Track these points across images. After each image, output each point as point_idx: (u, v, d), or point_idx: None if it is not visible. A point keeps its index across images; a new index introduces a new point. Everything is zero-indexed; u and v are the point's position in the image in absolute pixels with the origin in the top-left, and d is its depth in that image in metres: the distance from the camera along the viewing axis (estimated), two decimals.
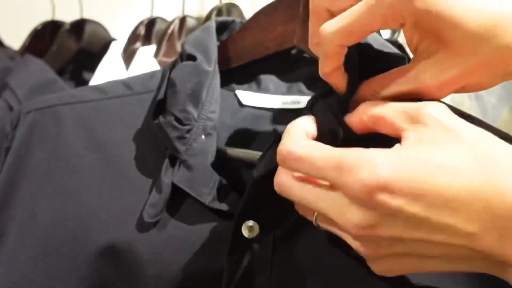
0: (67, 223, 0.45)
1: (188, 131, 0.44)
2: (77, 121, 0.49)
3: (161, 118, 0.44)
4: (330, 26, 0.32)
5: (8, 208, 0.47)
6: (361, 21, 0.31)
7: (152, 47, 0.71)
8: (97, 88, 0.52)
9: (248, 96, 0.51)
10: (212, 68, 0.46)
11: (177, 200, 0.43)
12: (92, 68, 0.81)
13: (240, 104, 0.51)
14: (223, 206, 0.42)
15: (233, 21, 0.54)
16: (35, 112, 0.50)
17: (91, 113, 0.49)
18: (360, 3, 0.31)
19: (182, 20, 0.72)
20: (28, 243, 0.45)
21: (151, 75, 0.52)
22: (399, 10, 0.30)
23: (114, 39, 0.81)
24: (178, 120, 0.44)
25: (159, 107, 0.45)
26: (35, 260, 0.45)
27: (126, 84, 0.51)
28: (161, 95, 0.46)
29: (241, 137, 0.49)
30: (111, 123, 0.49)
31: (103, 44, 0.82)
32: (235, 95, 0.51)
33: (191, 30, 0.72)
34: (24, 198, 0.47)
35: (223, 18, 0.53)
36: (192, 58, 0.46)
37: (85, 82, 0.82)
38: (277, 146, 0.33)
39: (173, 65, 0.48)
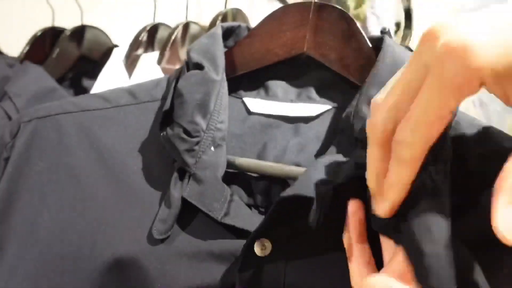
0: (70, 237, 0.43)
1: (197, 143, 0.42)
2: (79, 131, 0.47)
3: (168, 130, 0.42)
4: (406, 129, 0.28)
5: (8, 221, 0.45)
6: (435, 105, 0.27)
7: (155, 54, 0.69)
8: (100, 96, 0.50)
9: (256, 104, 0.49)
10: (220, 77, 0.45)
11: (187, 215, 0.41)
12: (92, 75, 0.80)
13: (248, 111, 0.49)
14: (236, 222, 0.40)
15: (239, 26, 0.52)
16: (36, 121, 0.48)
17: (94, 122, 0.48)
18: (422, 92, 0.27)
19: (186, 26, 0.71)
20: (29, 258, 0.43)
21: (156, 83, 0.51)
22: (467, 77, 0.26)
23: (115, 45, 0.80)
24: (186, 132, 0.42)
25: (166, 118, 0.44)
26: (36, 276, 0.43)
27: (130, 92, 0.50)
28: (167, 106, 0.44)
29: (250, 146, 0.47)
30: (115, 132, 0.47)
31: (104, 50, 0.81)
32: (243, 103, 0.49)
33: (195, 36, 0.70)
34: (24, 211, 0.45)
35: (229, 23, 0.52)
36: (199, 66, 0.45)
37: (85, 89, 0.81)
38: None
39: (179, 74, 0.47)
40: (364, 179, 0.34)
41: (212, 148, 0.42)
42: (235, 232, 0.41)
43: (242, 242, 0.39)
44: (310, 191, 0.37)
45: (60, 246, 0.43)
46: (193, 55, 0.45)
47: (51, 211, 0.44)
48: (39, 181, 0.46)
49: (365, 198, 0.36)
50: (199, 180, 0.41)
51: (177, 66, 0.68)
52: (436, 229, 0.29)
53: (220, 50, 0.46)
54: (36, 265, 0.43)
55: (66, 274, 0.42)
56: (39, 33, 0.82)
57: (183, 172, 0.42)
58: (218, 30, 0.48)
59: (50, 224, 0.44)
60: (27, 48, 0.80)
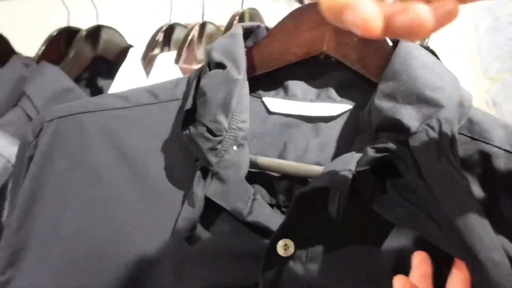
0: (93, 236, 0.43)
1: (220, 142, 0.42)
2: (101, 130, 0.47)
3: (191, 129, 0.42)
4: None
5: (31, 220, 0.45)
6: None
7: (172, 54, 0.69)
8: (120, 96, 0.50)
9: (275, 103, 0.49)
10: (241, 76, 0.45)
11: (209, 214, 0.42)
12: (108, 75, 0.81)
13: (268, 111, 0.49)
14: (259, 222, 0.40)
15: (258, 27, 0.52)
16: (58, 120, 0.48)
17: (115, 121, 0.48)
18: None
19: (202, 26, 0.71)
20: (52, 257, 0.44)
21: (175, 83, 0.51)
22: None
23: (130, 46, 0.80)
24: (209, 131, 0.42)
25: (188, 117, 0.44)
26: (60, 274, 0.43)
27: (151, 92, 0.50)
28: (189, 105, 0.44)
29: (271, 146, 0.47)
30: (137, 132, 0.47)
31: (119, 50, 0.81)
32: (262, 102, 0.50)
33: (211, 36, 0.70)
34: (47, 209, 0.45)
35: (249, 23, 0.52)
36: (221, 66, 0.45)
37: (101, 89, 0.81)
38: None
39: (199, 73, 0.47)
40: (383, 166, 0.34)
41: (235, 147, 0.42)
42: (258, 231, 0.41)
43: (265, 242, 0.39)
44: (327, 182, 0.37)
45: (83, 245, 0.43)
46: (215, 55, 0.45)
47: (74, 210, 0.45)
48: (62, 180, 0.46)
49: (384, 188, 0.36)
50: (222, 179, 0.41)
51: (194, 66, 0.68)
52: (484, 234, 0.30)
53: (241, 50, 0.46)
54: (60, 264, 0.43)
55: (88, 273, 0.43)
56: (54, 33, 0.82)
57: (206, 171, 0.42)
58: (238, 30, 0.48)
59: (72, 223, 0.44)
60: (43, 48, 0.81)
